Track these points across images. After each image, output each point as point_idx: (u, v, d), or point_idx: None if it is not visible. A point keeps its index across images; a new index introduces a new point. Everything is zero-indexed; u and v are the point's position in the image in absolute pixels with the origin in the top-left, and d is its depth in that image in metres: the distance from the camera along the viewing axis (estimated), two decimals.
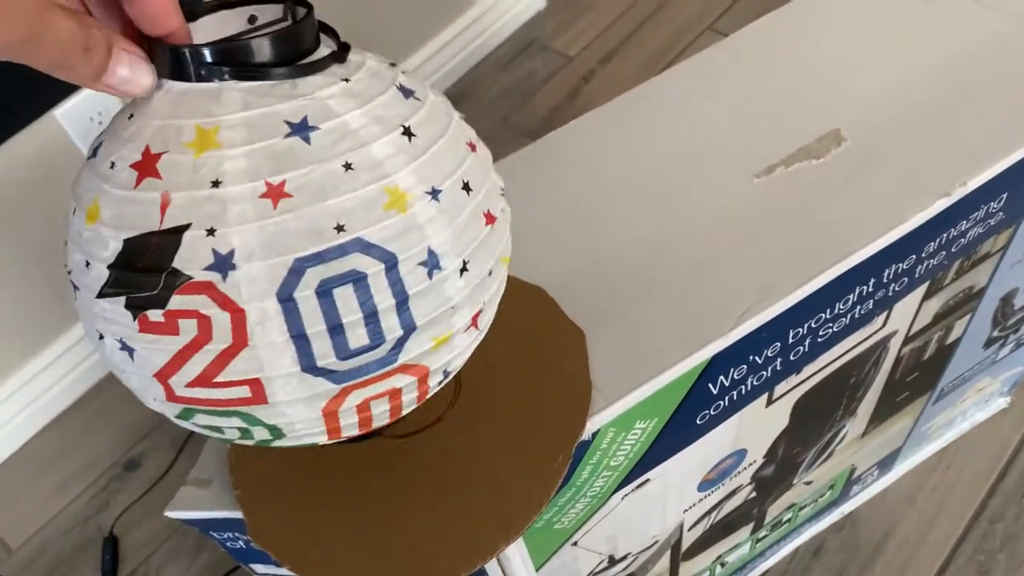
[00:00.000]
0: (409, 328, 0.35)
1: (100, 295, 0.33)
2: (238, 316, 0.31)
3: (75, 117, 1.05)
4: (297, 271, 0.31)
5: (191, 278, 0.31)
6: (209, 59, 0.32)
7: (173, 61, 0.33)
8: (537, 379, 0.53)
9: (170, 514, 0.53)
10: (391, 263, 0.33)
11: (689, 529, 0.73)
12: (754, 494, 0.76)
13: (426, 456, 0.51)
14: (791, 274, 0.54)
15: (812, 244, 0.56)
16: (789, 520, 0.91)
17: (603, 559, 0.66)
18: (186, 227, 0.31)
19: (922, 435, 0.97)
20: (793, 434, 0.70)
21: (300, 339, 0.32)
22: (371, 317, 0.33)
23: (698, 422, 0.57)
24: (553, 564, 0.61)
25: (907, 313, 0.66)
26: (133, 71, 0.32)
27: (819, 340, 0.59)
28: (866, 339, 0.65)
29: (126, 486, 1.17)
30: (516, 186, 0.69)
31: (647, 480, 0.59)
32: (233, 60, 0.32)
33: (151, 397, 0.36)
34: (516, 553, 0.54)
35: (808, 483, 0.85)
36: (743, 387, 0.58)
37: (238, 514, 0.52)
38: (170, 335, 0.32)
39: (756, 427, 0.65)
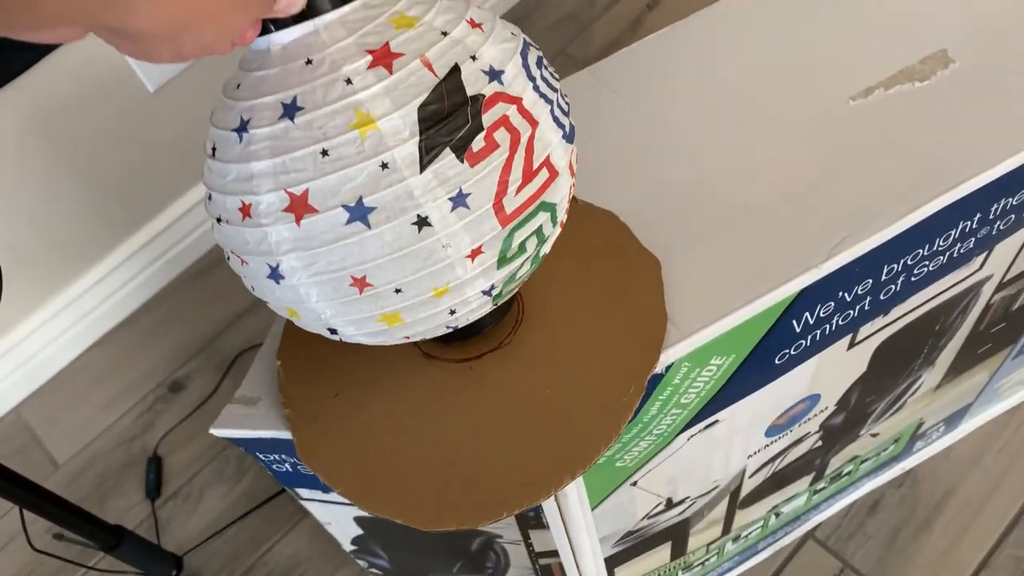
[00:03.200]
0: None
1: (424, 166, 0.34)
2: (520, 105, 0.37)
3: None
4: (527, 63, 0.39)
5: (484, 95, 0.35)
6: None
7: None
8: (607, 307, 0.49)
9: (216, 432, 0.51)
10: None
11: (750, 476, 0.69)
12: (820, 443, 0.73)
13: (487, 383, 0.48)
14: (890, 205, 0.50)
15: (913, 173, 0.51)
16: (849, 473, 0.87)
17: (661, 502, 0.63)
18: (456, 67, 0.35)
19: (994, 392, 0.92)
20: (869, 382, 0.66)
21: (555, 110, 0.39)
22: None
23: (776, 362, 0.53)
24: (609, 504, 0.58)
25: (1006, 256, 0.61)
26: None
27: (912, 279, 0.55)
28: (960, 281, 0.60)
29: (171, 407, 1.17)
30: (587, 105, 0.65)
31: (716, 421, 0.56)
32: None
33: (486, 232, 0.37)
34: (574, 490, 0.51)
35: (874, 435, 0.81)
36: (828, 326, 0.53)
37: (286, 435, 0.50)
38: (494, 151, 0.36)
39: (833, 371, 0.60)
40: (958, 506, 0.95)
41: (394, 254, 0.35)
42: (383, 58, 0.34)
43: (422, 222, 0.35)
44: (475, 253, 0.36)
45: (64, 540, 1.10)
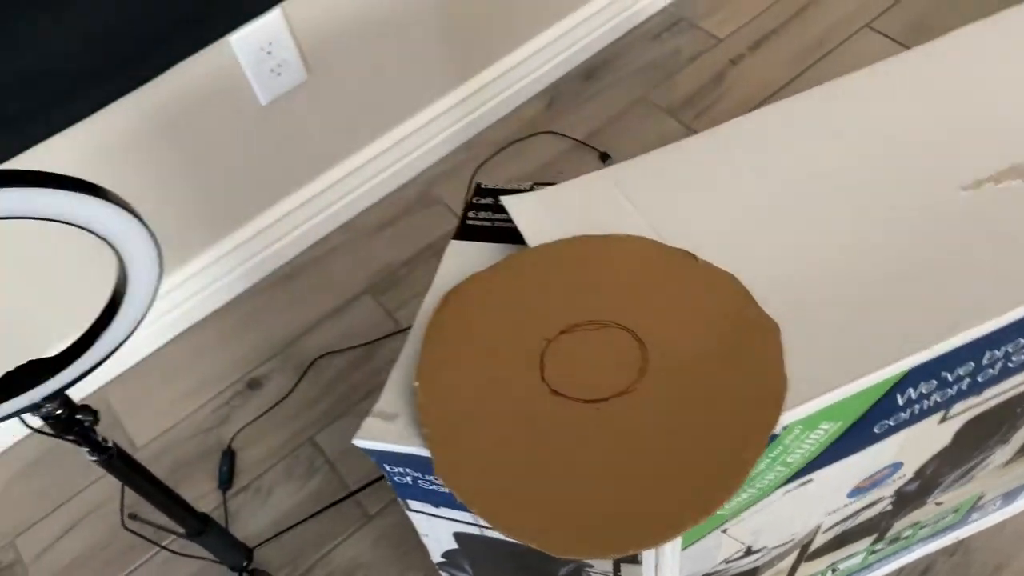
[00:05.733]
0: None
1: None
2: None
3: (248, 45, 1.09)
4: None
5: None
6: None
7: None
8: (729, 365, 0.53)
9: (358, 442, 0.56)
10: None
11: (823, 532, 0.73)
12: (890, 507, 0.76)
13: (615, 424, 0.52)
14: (999, 296, 0.53)
15: (1022, 267, 0.55)
16: (907, 537, 0.90)
17: (742, 549, 0.67)
18: None
19: None
20: (948, 455, 0.69)
21: None
22: None
23: (875, 430, 0.57)
24: (697, 546, 0.62)
25: None
26: None
27: (1010, 365, 0.58)
28: None
29: (247, 403, 1.22)
30: (707, 168, 0.69)
31: (810, 480, 0.59)
32: None
33: None
34: None
35: (939, 504, 0.83)
36: (927, 402, 0.57)
37: (421, 451, 0.54)
38: None
39: (920, 443, 0.64)
40: None
41: None
42: None
43: None
44: None
45: (137, 520, 1.15)
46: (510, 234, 0.70)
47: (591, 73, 1.51)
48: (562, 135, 1.43)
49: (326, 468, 1.15)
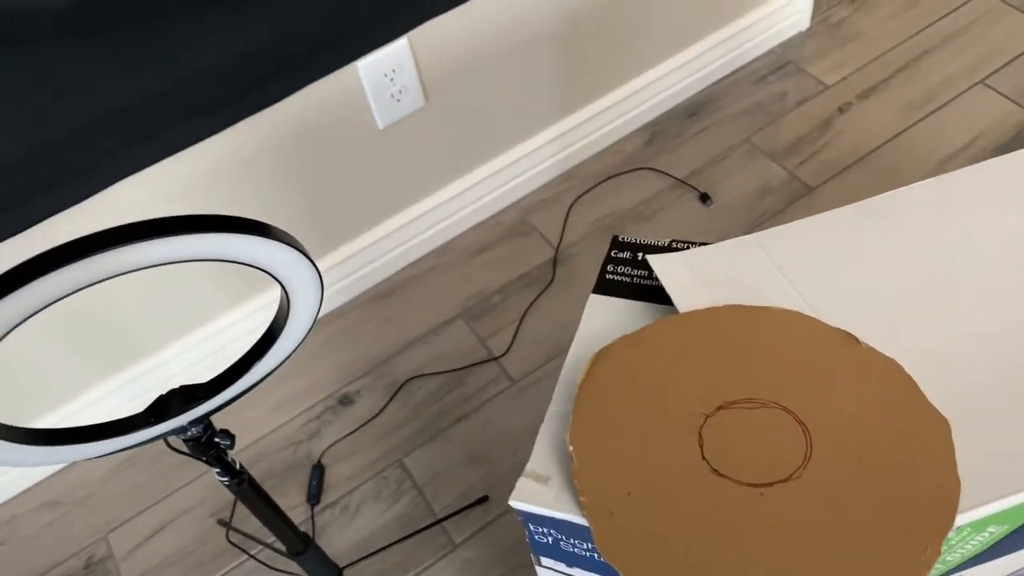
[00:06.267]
0: None
1: None
2: None
3: (373, 72, 1.10)
4: None
5: None
6: None
7: None
8: (898, 459, 0.52)
9: (514, 503, 0.56)
10: None
11: None
12: None
13: (780, 511, 0.51)
14: None
15: None
16: None
17: None
18: None
19: None
20: None
21: None
22: None
23: None
24: None
25: None
26: None
27: None
28: None
29: (338, 419, 1.24)
30: (857, 240, 0.68)
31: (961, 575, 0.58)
32: None
33: None
34: None
35: None
36: None
37: (576, 519, 0.54)
38: None
39: None
40: None
41: None
42: None
43: None
44: None
45: (227, 527, 1.18)
46: (650, 292, 0.70)
47: (694, 111, 1.50)
48: (662, 172, 1.43)
49: (413, 492, 1.16)
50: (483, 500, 1.13)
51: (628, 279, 0.72)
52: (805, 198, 1.36)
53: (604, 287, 0.72)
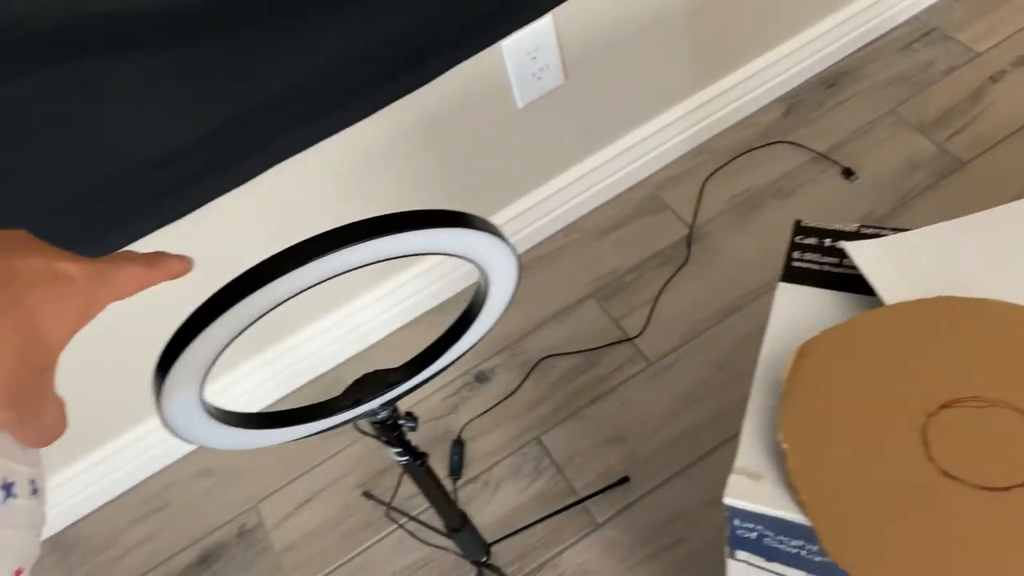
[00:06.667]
0: None
1: None
2: None
3: (517, 51, 1.09)
4: None
5: None
6: None
7: None
8: None
9: (728, 501, 0.55)
10: None
11: None
12: None
13: (1020, 517, 0.49)
14: None
15: None
16: None
17: None
18: None
19: None
20: None
21: None
22: None
23: None
24: None
25: None
26: None
27: None
28: None
29: (476, 395, 1.25)
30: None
31: None
32: None
33: None
34: None
35: None
36: None
37: (795, 517, 0.53)
38: None
39: None
40: None
41: None
42: None
43: None
44: None
45: (372, 499, 1.21)
46: (843, 280, 0.68)
47: (834, 82, 1.44)
48: (801, 146, 1.38)
49: (552, 470, 1.17)
50: (624, 480, 1.13)
51: (817, 266, 0.70)
52: (957, 173, 1.30)
53: (792, 275, 0.70)
